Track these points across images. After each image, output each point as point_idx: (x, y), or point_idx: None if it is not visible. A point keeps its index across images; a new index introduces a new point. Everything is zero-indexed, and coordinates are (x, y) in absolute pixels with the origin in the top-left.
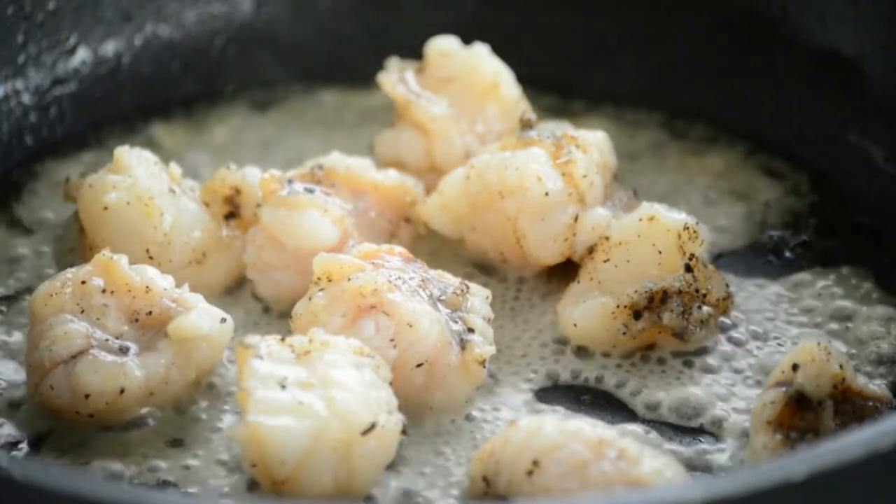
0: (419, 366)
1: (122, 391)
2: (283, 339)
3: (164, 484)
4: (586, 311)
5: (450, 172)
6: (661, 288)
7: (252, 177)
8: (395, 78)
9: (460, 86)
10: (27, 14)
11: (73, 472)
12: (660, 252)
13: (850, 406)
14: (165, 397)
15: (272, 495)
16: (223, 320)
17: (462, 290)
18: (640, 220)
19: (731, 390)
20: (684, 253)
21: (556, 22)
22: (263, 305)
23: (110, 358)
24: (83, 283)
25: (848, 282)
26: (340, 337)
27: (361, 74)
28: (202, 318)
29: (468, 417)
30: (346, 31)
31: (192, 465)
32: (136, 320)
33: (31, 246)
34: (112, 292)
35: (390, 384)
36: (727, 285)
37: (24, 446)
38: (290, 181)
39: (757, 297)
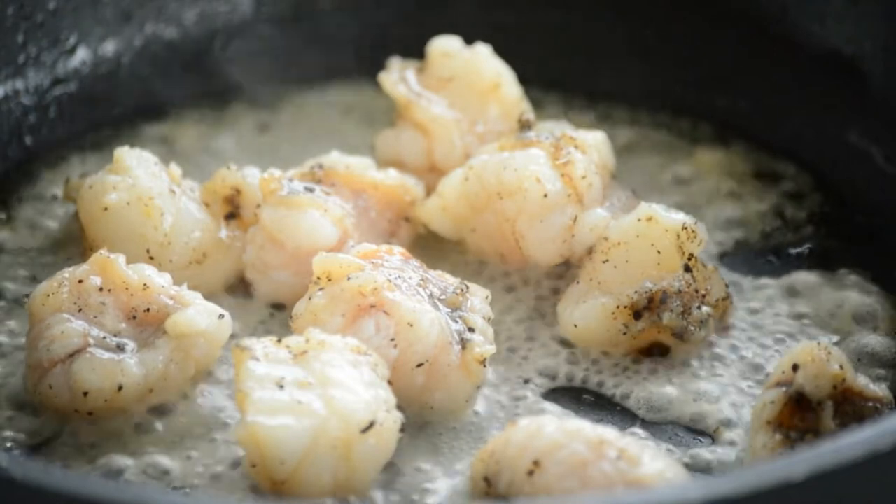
0: (420, 365)
1: (120, 388)
2: (279, 340)
3: (163, 483)
4: (586, 311)
5: (450, 173)
6: (660, 288)
7: (252, 177)
8: (396, 77)
9: (461, 86)
10: (27, 14)
11: (73, 472)
12: (659, 252)
13: (850, 406)
14: (164, 394)
15: (272, 495)
16: (221, 316)
17: (462, 290)
18: (639, 220)
19: (731, 390)
20: (683, 253)
21: (556, 22)
22: (263, 305)
23: (108, 355)
24: (80, 282)
25: (847, 282)
26: (337, 336)
27: (362, 74)
28: (200, 314)
29: (469, 417)
30: (346, 31)
31: (192, 464)
32: (134, 318)
33: (30, 246)
34: (109, 290)
35: (389, 383)
36: (726, 285)
37: (24, 446)
38: (290, 181)
39: (756, 296)
